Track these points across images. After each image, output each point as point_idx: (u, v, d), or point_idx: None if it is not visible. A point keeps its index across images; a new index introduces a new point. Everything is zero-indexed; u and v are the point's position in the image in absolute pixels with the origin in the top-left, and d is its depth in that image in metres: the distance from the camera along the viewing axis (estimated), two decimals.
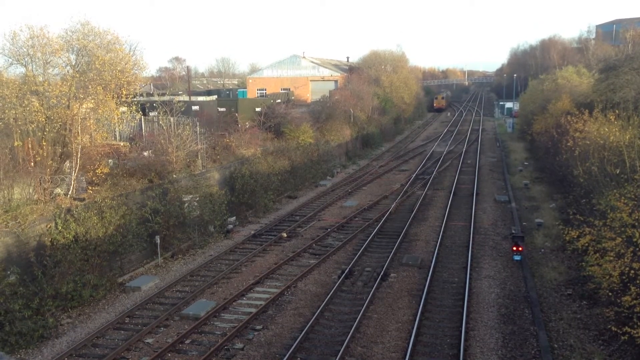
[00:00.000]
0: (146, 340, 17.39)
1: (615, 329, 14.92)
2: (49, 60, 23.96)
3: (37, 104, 22.85)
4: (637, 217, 15.68)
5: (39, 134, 23.02)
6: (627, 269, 15.00)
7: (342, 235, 28.39)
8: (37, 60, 23.80)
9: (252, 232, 29.05)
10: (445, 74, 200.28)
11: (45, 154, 22.58)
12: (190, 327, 18.00)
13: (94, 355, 16.45)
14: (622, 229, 16.04)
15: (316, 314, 18.68)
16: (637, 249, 15.12)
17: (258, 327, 18.17)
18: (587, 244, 17.64)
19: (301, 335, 17.14)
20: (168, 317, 18.94)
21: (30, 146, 22.48)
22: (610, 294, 16.07)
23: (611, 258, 15.79)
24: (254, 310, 19.33)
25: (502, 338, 17.21)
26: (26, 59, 23.74)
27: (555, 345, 16.63)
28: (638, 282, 14.51)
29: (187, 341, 17.36)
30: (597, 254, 16.95)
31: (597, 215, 19.12)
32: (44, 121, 22.92)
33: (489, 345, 16.75)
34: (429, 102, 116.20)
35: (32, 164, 22.29)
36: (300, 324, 18.30)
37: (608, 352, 15.97)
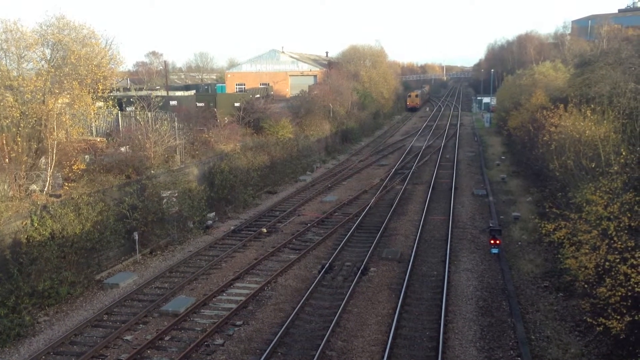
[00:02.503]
0: (125, 338, 17.26)
1: (591, 320, 15.18)
2: (23, 54, 23.52)
3: (12, 99, 22.44)
4: (612, 210, 15.93)
5: (14, 129, 22.60)
6: (602, 260, 15.25)
7: (322, 230, 28.43)
8: (10, 54, 23.35)
9: (232, 227, 28.94)
10: (423, 69, 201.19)
11: (20, 150, 22.18)
12: (169, 323, 17.90)
13: (72, 353, 16.28)
14: (597, 221, 16.29)
15: (296, 308, 18.70)
16: (612, 241, 15.37)
17: (238, 323, 18.14)
18: (563, 237, 17.88)
19: (282, 330, 17.15)
20: (147, 314, 18.80)
21: (4, 142, 22.05)
22: (585, 285, 16.32)
23: (587, 250, 16.03)
24: (234, 306, 19.29)
25: (480, 330, 17.42)
26: None
27: (533, 337, 16.88)
28: (613, 273, 14.75)
29: (167, 338, 17.26)
30: (573, 247, 17.19)
31: (573, 208, 19.39)
32: (18, 116, 22.51)
33: (468, 337, 16.94)
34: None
35: (7, 160, 21.89)
36: (281, 319, 18.30)
37: (584, 343, 16.25)
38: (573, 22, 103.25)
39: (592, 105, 26.36)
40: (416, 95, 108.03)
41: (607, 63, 39.13)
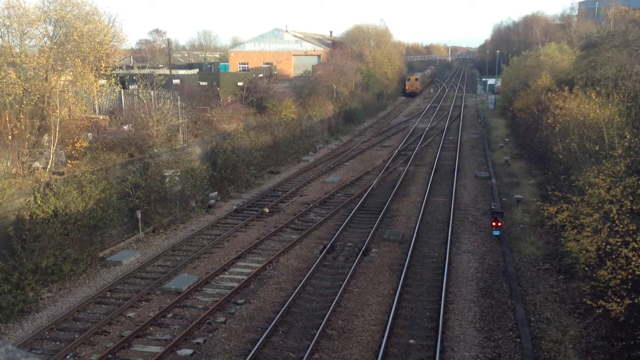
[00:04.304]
0: (128, 314, 17.41)
1: (591, 303, 15.24)
2: (25, 31, 23.42)
3: (14, 76, 22.39)
4: (614, 194, 15.91)
5: (17, 106, 22.59)
6: (604, 244, 15.27)
7: (324, 211, 28.47)
8: (13, 31, 23.25)
9: (234, 207, 29.01)
10: (428, 49, 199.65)
11: (23, 127, 22.18)
12: (172, 301, 18.04)
13: (75, 329, 16.44)
14: (600, 205, 16.29)
15: (298, 288, 18.81)
16: (614, 224, 15.38)
17: (240, 301, 18.27)
18: (565, 220, 17.89)
19: (283, 309, 17.27)
20: (150, 292, 18.94)
21: (7, 119, 22.05)
22: (586, 268, 16.38)
23: (588, 233, 16.05)
24: (236, 284, 19.41)
25: (480, 311, 17.51)
26: (2, 30, 23.19)
27: (532, 319, 16.97)
28: (614, 256, 14.78)
29: (169, 315, 17.41)
30: (575, 230, 17.21)
31: (576, 191, 19.37)
32: (21, 93, 22.49)
33: (468, 319, 17.04)
34: None
35: (10, 137, 21.91)
36: (282, 298, 18.42)
37: (583, 325, 16.34)
38: (580, 3, 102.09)
39: (597, 88, 26.20)
40: (416, 79, 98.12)
41: (613, 45, 38.81)
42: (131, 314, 17.44)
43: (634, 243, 14.35)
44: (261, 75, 54.48)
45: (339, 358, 14.99)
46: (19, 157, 22.05)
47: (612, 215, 15.53)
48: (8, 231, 19.20)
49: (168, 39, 79.30)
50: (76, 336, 15.93)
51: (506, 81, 66.45)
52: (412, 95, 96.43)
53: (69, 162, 23.89)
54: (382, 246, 23.40)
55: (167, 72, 48.30)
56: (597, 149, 20.46)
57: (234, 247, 23.42)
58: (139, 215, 24.07)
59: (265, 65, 73.20)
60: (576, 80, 31.04)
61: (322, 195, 31.41)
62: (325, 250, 22.39)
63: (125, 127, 29.17)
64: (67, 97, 24.29)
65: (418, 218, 26.68)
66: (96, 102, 31.98)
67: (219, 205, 29.44)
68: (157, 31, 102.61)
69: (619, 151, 18.01)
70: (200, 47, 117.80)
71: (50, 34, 24.51)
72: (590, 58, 40.26)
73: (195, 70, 55.68)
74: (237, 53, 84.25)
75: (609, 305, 14.33)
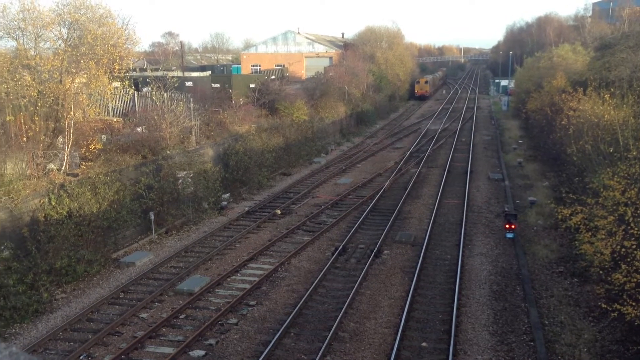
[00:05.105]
0: (141, 315, 17.49)
1: (605, 306, 15.10)
2: (40, 33, 23.65)
3: (29, 79, 22.62)
4: (629, 196, 15.76)
5: (31, 108, 22.80)
6: (619, 247, 15.13)
7: (336, 213, 28.45)
8: (28, 33, 23.49)
9: (246, 208, 29.07)
10: (441, 51, 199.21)
11: (37, 129, 22.40)
12: (184, 302, 18.10)
13: (89, 330, 16.54)
14: (614, 207, 16.14)
15: (310, 290, 18.80)
16: (629, 227, 15.24)
17: (252, 303, 18.29)
18: (579, 223, 17.74)
19: (295, 311, 17.26)
20: (162, 293, 19.02)
21: (22, 121, 22.27)
22: (601, 271, 16.22)
23: (603, 236, 15.90)
24: (248, 286, 19.44)
25: (493, 314, 17.40)
26: (17, 33, 23.43)
27: (546, 322, 16.84)
28: (629, 260, 14.64)
29: (182, 316, 17.47)
30: (589, 233, 17.07)
31: (590, 193, 19.20)
32: (36, 96, 22.70)
33: (481, 322, 16.94)
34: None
35: (25, 139, 22.12)
36: (294, 300, 18.42)
37: (598, 329, 16.18)
38: (594, 4, 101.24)
39: (612, 89, 25.97)
40: (425, 82, 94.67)
41: (627, 46, 38.49)
42: (144, 315, 17.53)
43: None
44: (273, 77, 54.54)
45: None
46: (33, 158, 22.26)
47: (627, 217, 15.39)
48: (23, 232, 19.38)
49: (181, 42, 79.61)
50: (90, 337, 16.02)
51: (519, 82, 66.05)
52: (422, 98, 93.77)
53: (83, 163, 24.07)
54: (394, 248, 23.34)
55: (180, 74, 48.52)
56: (611, 150, 20.28)
57: (246, 248, 23.46)
58: (152, 217, 24.20)
59: (277, 67, 73.29)
60: (590, 82, 30.79)
61: (334, 197, 31.40)
62: (337, 252, 22.36)
63: (139, 129, 29.35)
64: (81, 100, 24.49)
65: (430, 220, 26.58)
66: (110, 104, 32.19)
67: (231, 207, 29.52)
68: (170, 34, 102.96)
69: (634, 153, 17.83)
70: (213, 49, 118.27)
71: (65, 37, 24.74)
72: (604, 59, 39.95)
73: (208, 73, 55.90)
74: (249, 55, 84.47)
75: (624, 308, 14.19)
